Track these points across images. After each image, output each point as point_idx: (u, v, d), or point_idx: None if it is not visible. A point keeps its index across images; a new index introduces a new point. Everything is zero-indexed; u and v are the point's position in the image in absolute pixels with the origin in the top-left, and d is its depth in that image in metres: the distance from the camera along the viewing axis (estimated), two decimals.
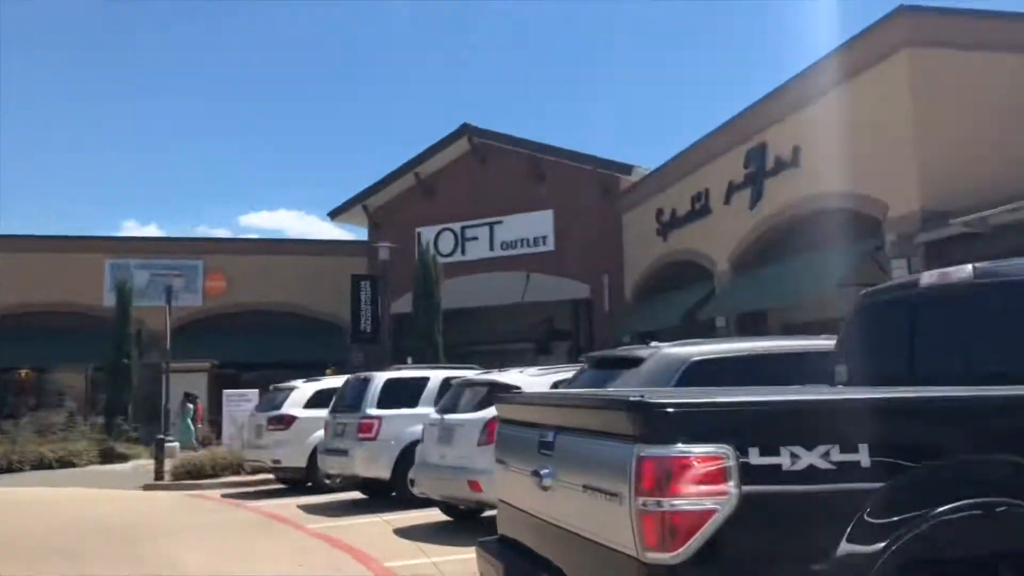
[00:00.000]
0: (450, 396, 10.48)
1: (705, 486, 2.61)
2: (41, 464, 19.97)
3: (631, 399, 2.81)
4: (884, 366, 4.26)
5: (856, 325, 4.65)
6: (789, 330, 17.82)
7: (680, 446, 2.64)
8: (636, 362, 6.40)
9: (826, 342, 6.64)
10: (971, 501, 2.71)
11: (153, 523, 11.45)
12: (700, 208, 20.27)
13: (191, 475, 16.13)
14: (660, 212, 22.45)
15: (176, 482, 16.03)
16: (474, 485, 9.07)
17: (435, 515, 10.47)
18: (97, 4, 67.91)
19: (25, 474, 19.16)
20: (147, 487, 15.98)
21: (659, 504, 2.63)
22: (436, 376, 12.50)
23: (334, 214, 30.53)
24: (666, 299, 22.18)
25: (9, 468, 19.36)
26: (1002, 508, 2.73)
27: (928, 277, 4.05)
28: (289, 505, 12.61)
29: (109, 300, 26.48)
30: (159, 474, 16.37)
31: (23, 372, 30.36)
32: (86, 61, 71.14)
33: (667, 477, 2.62)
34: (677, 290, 21.85)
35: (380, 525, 10.48)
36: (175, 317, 28.74)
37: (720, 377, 6.12)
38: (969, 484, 2.78)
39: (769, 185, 17.33)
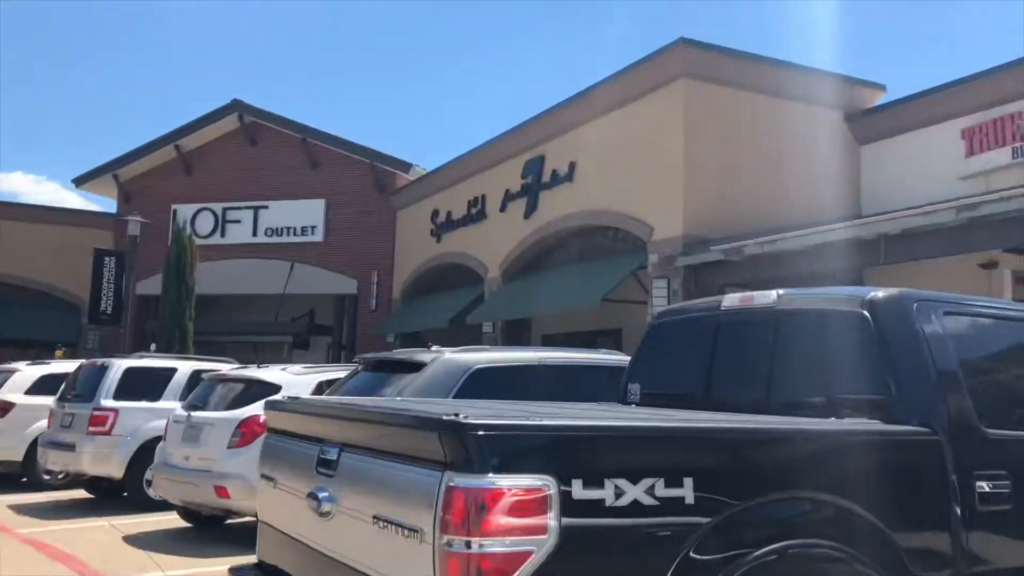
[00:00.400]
0: (200, 391, 9.56)
1: (522, 522, 2.27)
2: None
3: (443, 417, 2.42)
4: (679, 387, 4.17)
5: (652, 343, 4.55)
6: (548, 341, 18.28)
7: (495, 476, 2.28)
8: (416, 367, 6.05)
9: (610, 356, 6.65)
10: (784, 544, 2.57)
11: None
12: (476, 213, 20.28)
13: None
14: (436, 213, 22.26)
15: None
16: (221, 491, 8.29)
17: (173, 520, 9.51)
18: None
19: None
20: None
21: (467, 545, 2.25)
22: (185, 368, 11.42)
23: (80, 181, 27.67)
24: (435, 301, 22.01)
25: None
26: (819, 550, 2.62)
27: (730, 300, 3.99)
28: None
29: None
30: None
31: None
32: None
33: (479, 512, 2.25)
34: (446, 292, 21.76)
35: (107, 531, 9.35)
36: None
37: (502, 387, 5.92)
38: (782, 524, 2.64)
39: (544, 197, 17.61)
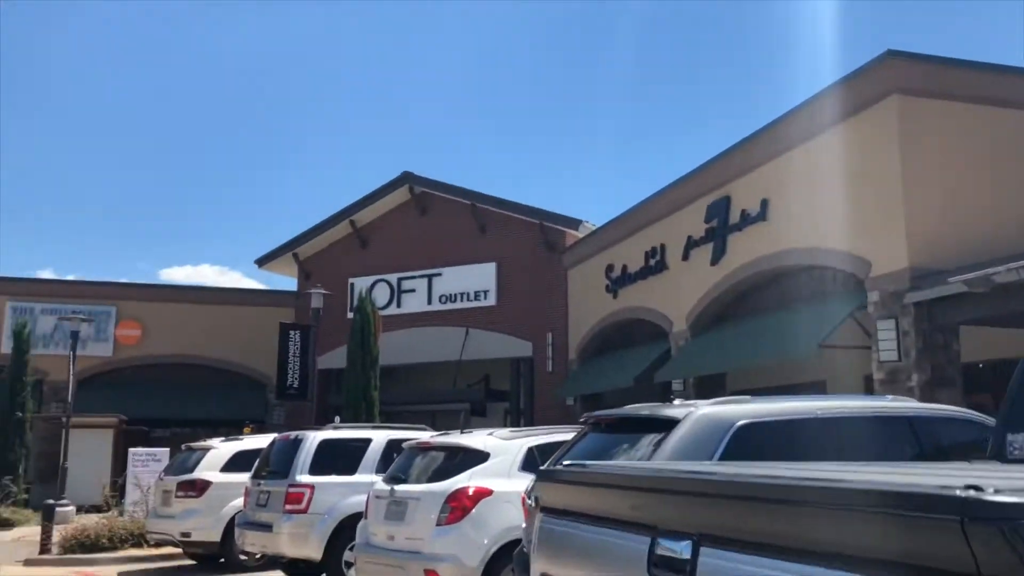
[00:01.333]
0: (400, 462, 8.89)
1: None
2: None
3: (961, 493, 1.39)
4: None
5: None
6: (752, 395, 16.73)
7: None
8: (666, 424, 5.02)
9: (904, 404, 5.41)
10: None
11: None
12: (655, 264, 19.20)
13: (84, 547, 13.96)
14: (610, 268, 21.33)
15: (65, 556, 13.83)
16: (431, 574, 7.49)
17: None
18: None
19: None
20: (28, 562, 13.74)
21: None
22: (380, 437, 10.87)
23: (262, 261, 28.65)
24: (616, 359, 20.94)
25: None
26: None
27: None
28: None
29: (7, 346, 23.99)
30: (45, 546, 14.15)
31: None
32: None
33: None
34: (628, 350, 20.65)
35: None
36: (82, 367, 26.46)
37: (773, 446, 4.82)
38: None
39: (733, 240, 16.35)
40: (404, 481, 8.39)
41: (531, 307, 24.34)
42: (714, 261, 16.85)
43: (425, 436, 9.75)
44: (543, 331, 24.21)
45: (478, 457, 8.09)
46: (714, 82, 72.94)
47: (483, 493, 7.74)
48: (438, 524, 7.65)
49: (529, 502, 6.26)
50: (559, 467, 3.43)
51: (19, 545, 15.12)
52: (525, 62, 74.01)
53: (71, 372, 20.60)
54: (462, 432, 8.96)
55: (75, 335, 20.86)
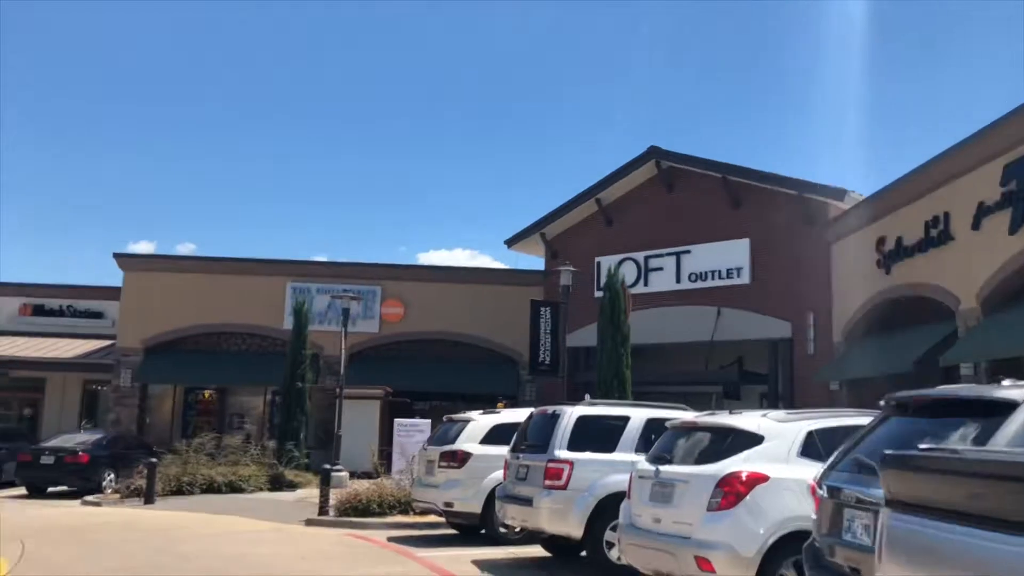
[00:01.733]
0: (664, 442, 8.46)
1: None
2: (211, 488, 19.40)
3: None
4: None
5: None
6: None
7: None
8: (998, 407, 4.20)
9: None
10: None
11: (311, 574, 10.01)
12: (937, 235, 17.29)
13: (357, 511, 14.80)
14: (881, 241, 19.53)
15: (340, 518, 14.74)
16: (704, 563, 7.02)
17: None
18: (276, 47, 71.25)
19: (193, 497, 18.58)
20: (309, 522, 14.77)
21: None
22: (638, 415, 10.50)
23: (511, 242, 29.24)
24: (889, 341, 19.16)
25: (179, 490, 18.86)
26: None
27: None
28: (462, 559, 10.90)
29: (289, 323, 26.18)
30: (323, 508, 15.16)
31: (207, 393, 30.69)
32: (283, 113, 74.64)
33: None
34: (903, 331, 18.84)
35: None
36: (352, 343, 28.35)
37: None
38: None
39: None
40: (669, 462, 7.96)
41: (789, 285, 22.93)
42: (1013, 230, 14.85)
43: (689, 416, 9.24)
44: (803, 311, 22.73)
45: (751, 440, 7.50)
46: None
47: (758, 479, 7.15)
48: (709, 509, 7.16)
49: (820, 492, 5.61)
50: (916, 452, 2.82)
51: (301, 506, 16.35)
52: (774, 29, 70.44)
53: (343, 347, 22.09)
54: (731, 413, 8.35)
55: (346, 312, 22.34)
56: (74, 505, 17.67)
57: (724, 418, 8.05)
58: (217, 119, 77.91)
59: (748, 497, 7.09)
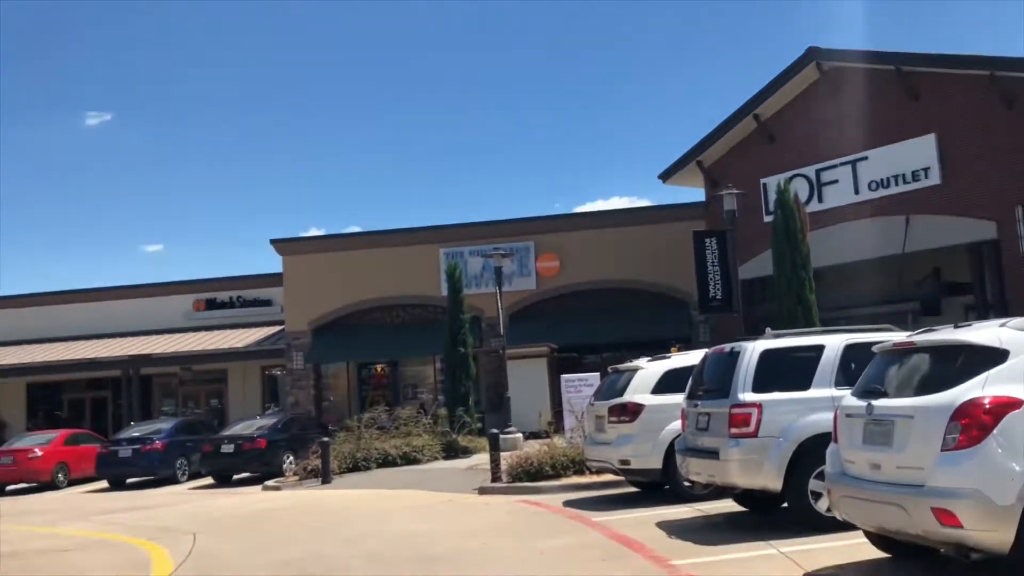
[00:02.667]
0: (872, 372, 6.87)
1: None
2: (386, 461, 19.13)
3: None
4: None
5: None
6: None
7: None
8: None
9: None
10: None
11: (480, 553, 9.12)
12: None
13: (529, 475, 13.91)
14: None
15: (513, 484, 13.89)
16: (945, 516, 5.48)
17: (860, 547, 6.97)
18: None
19: (369, 473, 18.35)
20: (482, 491, 14.02)
21: None
22: (834, 343, 8.87)
23: (666, 175, 27.38)
24: None
25: (354, 467, 18.67)
26: None
27: None
28: (646, 521, 9.71)
29: (444, 289, 25.69)
30: (495, 475, 14.36)
31: (379, 367, 30.92)
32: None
33: None
34: None
35: (781, 564, 7.19)
36: (511, 302, 27.63)
37: None
38: None
39: None
40: (883, 395, 6.41)
41: (989, 179, 20.08)
42: None
43: (901, 336, 7.59)
44: (1009, 205, 19.84)
45: (990, 357, 5.84)
46: None
47: (1008, 404, 5.53)
48: (945, 449, 5.60)
49: None
50: None
51: (474, 473, 15.65)
52: None
53: (499, 306, 21.31)
54: (956, 327, 6.67)
55: (498, 271, 21.49)
56: (255, 491, 17.80)
57: (951, 333, 6.39)
58: (358, 97, 79.38)
59: (996, 430, 5.48)
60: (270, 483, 18.19)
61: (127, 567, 9.44)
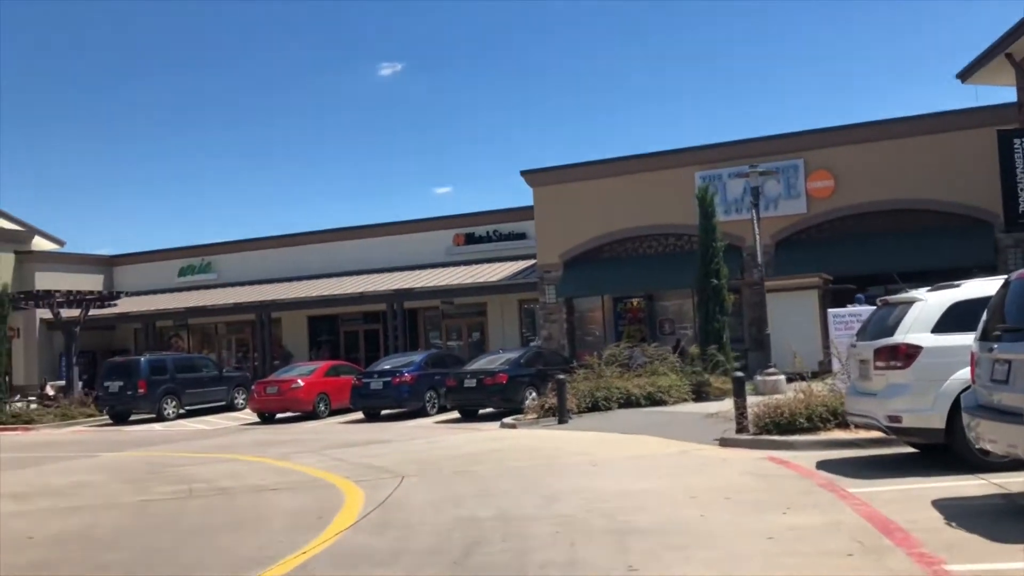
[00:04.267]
0: None
1: None
2: (628, 402, 17.75)
3: None
4: None
5: None
6: None
7: None
8: None
9: None
10: None
11: (692, 530, 7.43)
12: None
13: (779, 428, 11.83)
14: None
15: (759, 436, 11.89)
16: None
17: None
18: None
19: (609, 414, 17.07)
20: (723, 442, 12.16)
21: None
22: None
23: (965, 73, 22.91)
24: None
25: (594, 407, 17.47)
26: None
27: None
28: (919, 498, 7.49)
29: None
30: (740, 425, 12.41)
31: (635, 301, 29.47)
32: None
33: None
34: None
35: None
36: (777, 227, 24.91)
37: None
38: None
39: None
40: None
41: None
42: None
43: None
44: None
45: None
46: None
47: None
48: None
49: None
50: None
51: (720, 420, 13.74)
52: None
53: (755, 231, 18.89)
54: None
55: (755, 190, 19.09)
56: (492, 428, 17.14)
57: None
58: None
59: None
60: (508, 420, 17.45)
61: (311, 514, 8.83)
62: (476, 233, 33.07)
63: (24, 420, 24.52)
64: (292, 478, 11.69)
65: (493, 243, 32.69)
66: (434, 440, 15.74)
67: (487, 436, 15.72)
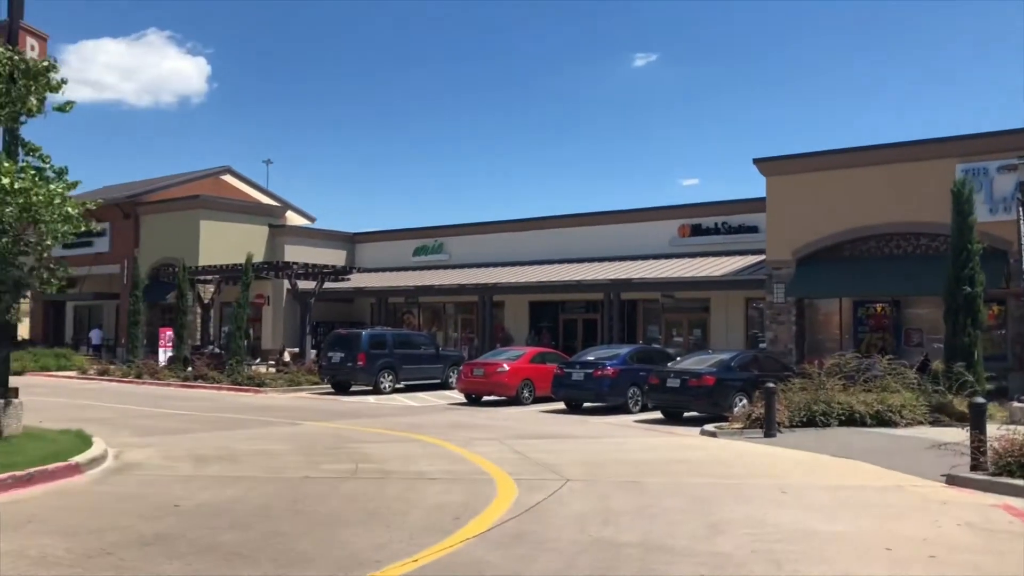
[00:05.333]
0: None
1: None
2: (850, 419, 15.81)
3: None
4: None
5: None
6: None
7: None
8: None
9: None
10: None
11: None
12: None
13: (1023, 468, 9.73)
14: None
15: (997, 478, 9.84)
16: None
17: None
18: None
19: (824, 431, 15.24)
20: (951, 480, 10.20)
21: None
22: None
23: None
24: None
25: (810, 421, 15.68)
26: None
27: None
28: None
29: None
30: (975, 461, 10.37)
31: (879, 306, 26.66)
32: None
33: None
34: None
35: None
36: None
37: None
38: None
39: None
40: None
41: None
42: None
43: None
44: None
45: None
46: None
47: None
48: None
49: None
50: None
51: (950, 452, 11.60)
52: None
53: (1020, 231, 16.05)
54: None
55: (1021, 185, 16.19)
56: (691, 435, 15.82)
57: None
58: None
59: None
60: (708, 428, 16.06)
61: (450, 512, 8.20)
62: (703, 224, 31.40)
63: (256, 383, 26.15)
64: (457, 467, 11.20)
65: (721, 235, 30.90)
66: (622, 441, 14.74)
67: (679, 443, 14.49)
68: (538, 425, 17.23)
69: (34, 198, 10.26)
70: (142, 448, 12.78)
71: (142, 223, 41.32)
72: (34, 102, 10.91)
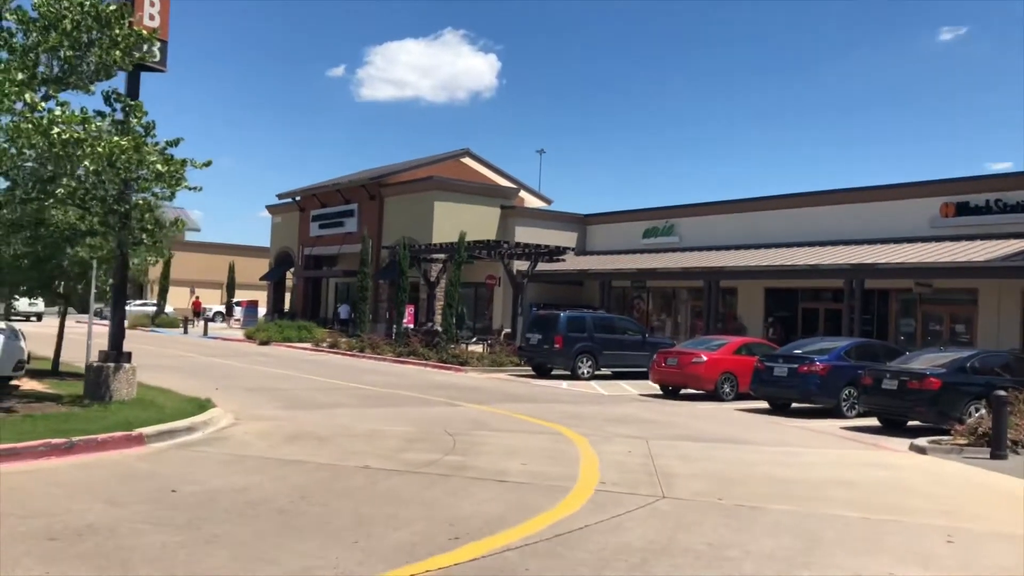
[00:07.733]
0: None
1: None
2: None
3: None
4: None
5: None
6: None
7: None
8: None
9: None
10: None
11: None
12: None
13: None
14: None
15: None
16: None
17: None
18: None
19: None
20: None
21: None
22: None
23: None
24: None
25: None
26: None
27: None
28: None
29: None
30: None
31: None
32: None
33: None
34: None
35: None
36: None
37: None
38: None
39: None
40: None
41: None
42: None
43: None
44: None
45: None
46: None
47: None
48: None
49: None
50: None
51: None
52: None
53: None
54: None
55: None
56: (900, 449, 12.81)
57: None
58: None
59: None
60: (919, 442, 12.90)
61: (492, 522, 6.60)
62: (972, 203, 26.56)
63: (460, 361, 25.68)
64: (549, 469, 9.47)
65: (994, 215, 25.95)
66: (798, 452, 12.15)
67: (868, 459, 11.65)
68: (717, 425, 14.90)
69: (98, 149, 9.70)
70: (257, 421, 12.30)
71: (385, 204, 42.83)
72: (117, 55, 10.59)
